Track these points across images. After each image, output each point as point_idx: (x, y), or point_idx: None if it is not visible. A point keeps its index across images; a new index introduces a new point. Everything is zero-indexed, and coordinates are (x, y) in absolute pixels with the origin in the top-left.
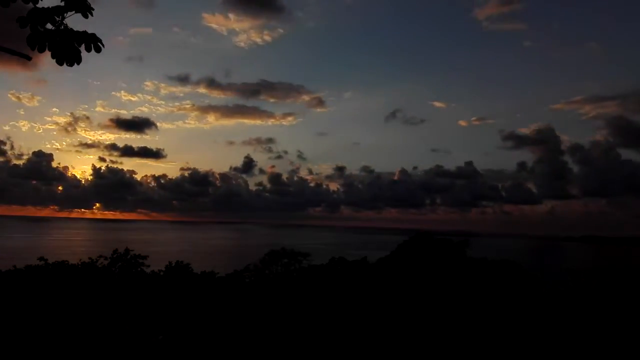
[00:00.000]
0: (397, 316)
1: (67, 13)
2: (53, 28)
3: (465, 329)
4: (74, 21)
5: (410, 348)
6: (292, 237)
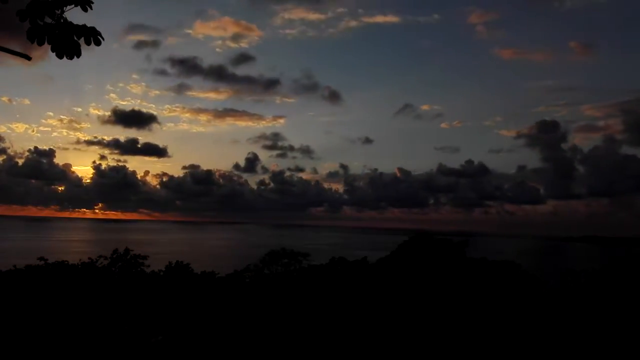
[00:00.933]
0: (397, 316)
1: (66, 6)
2: (52, 21)
3: (464, 330)
4: (79, 16)
5: (410, 348)
6: (296, 238)
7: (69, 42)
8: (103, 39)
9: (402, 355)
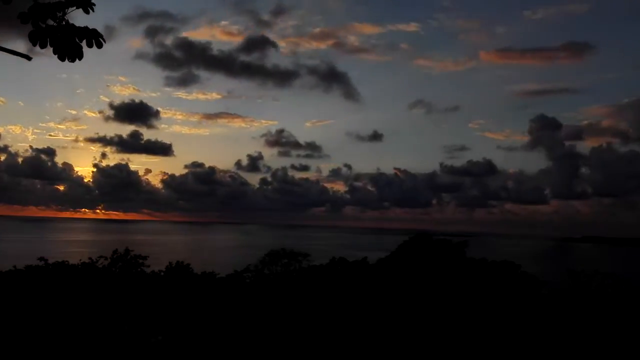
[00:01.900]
0: (396, 316)
1: (68, 9)
2: (54, 24)
3: (464, 330)
4: (80, 18)
5: (409, 347)
6: (307, 238)
7: (71, 44)
8: (105, 41)
9: (402, 354)
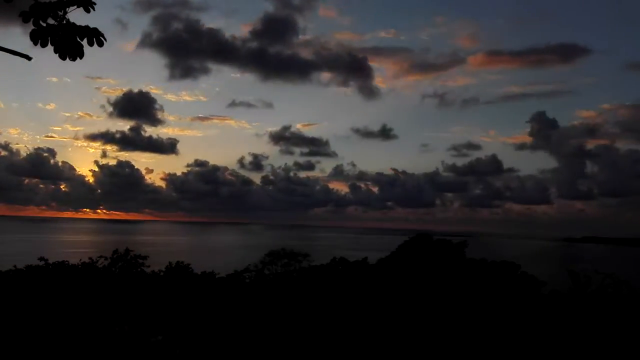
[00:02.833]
0: (396, 316)
1: (69, 8)
2: (55, 23)
3: (463, 330)
4: (81, 17)
5: (409, 348)
6: (308, 239)
7: (72, 43)
8: (105, 39)
9: (402, 354)
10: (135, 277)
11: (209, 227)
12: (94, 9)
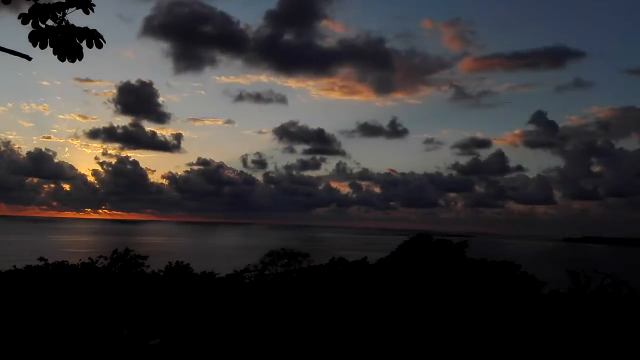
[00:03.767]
0: (395, 316)
1: (68, 9)
2: (54, 24)
3: (462, 329)
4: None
5: (409, 348)
6: (317, 240)
7: (71, 44)
8: (105, 41)
9: (402, 354)
10: (135, 277)
11: (212, 227)
12: (93, 11)
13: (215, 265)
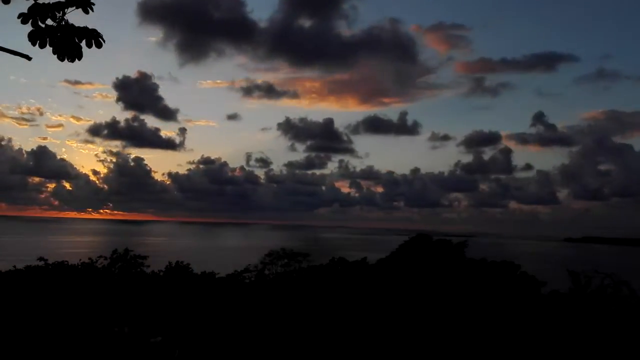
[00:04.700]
0: (395, 316)
1: (67, 9)
2: (54, 24)
3: (462, 329)
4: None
5: (408, 348)
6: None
7: (71, 44)
8: (104, 41)
9: (402, 354)
10: (135, 277)
11: (216, 227)
12: (92, 10)
13: (217, 265)
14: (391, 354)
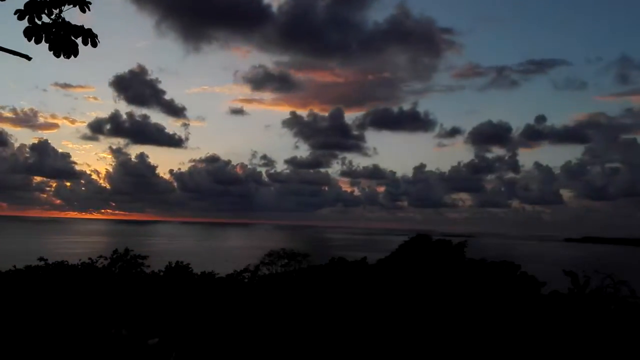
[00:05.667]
0: (394, 316)
1: (64, 6)
2: (50, 21)
3: (462, 329)
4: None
5: (408, 348)
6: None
7: (67, 41)
8: (99, 41)
9: (401, 354)
10: (135, 277)
11: (220, 228)
12: (89, 9)
13: (221, 266)
14: (390, 354)
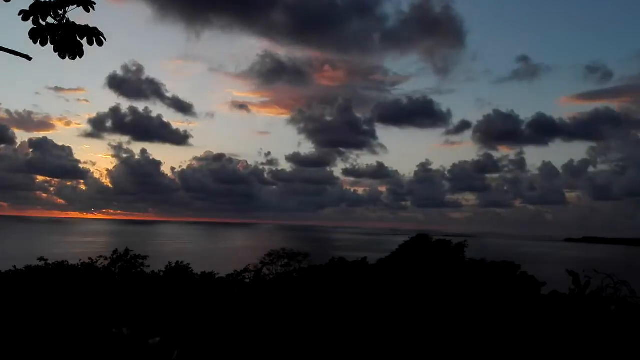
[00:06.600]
0: (394, 316)
1: (68, 7)
2: (55, 22)
3: (462, 329)
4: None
5: (408, 348)
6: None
7: (72, 42)
8: (105, 39)
9: (401, 354)
10: (135, 277)
11: (222, 228)
12: (93, 9)
13: (222, 266)
14: (390, 354)
